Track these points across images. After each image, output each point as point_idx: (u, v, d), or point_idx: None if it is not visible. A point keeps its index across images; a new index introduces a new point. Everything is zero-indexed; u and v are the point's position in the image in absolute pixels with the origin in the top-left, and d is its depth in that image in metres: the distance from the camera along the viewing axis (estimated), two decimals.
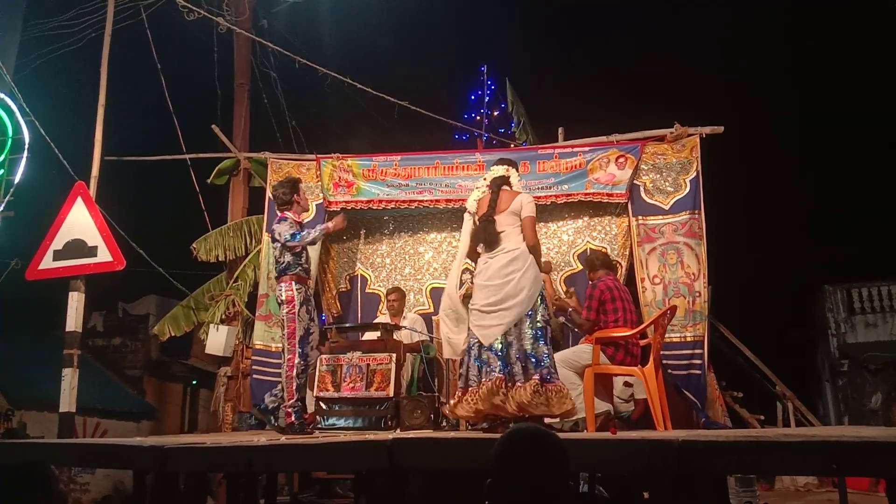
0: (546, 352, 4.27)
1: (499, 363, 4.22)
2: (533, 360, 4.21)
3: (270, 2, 9.29)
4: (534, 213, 4.49)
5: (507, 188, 4.55)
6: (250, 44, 8.79)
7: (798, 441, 2.69)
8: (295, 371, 4.91)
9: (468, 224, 4.73)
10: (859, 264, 16.50)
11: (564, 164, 6.43)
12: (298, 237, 4.96)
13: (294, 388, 4.90)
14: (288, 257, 5.02)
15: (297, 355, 4.92)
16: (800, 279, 17.75)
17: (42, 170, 7.40)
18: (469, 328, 4.47)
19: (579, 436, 4.04)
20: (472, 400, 4.27)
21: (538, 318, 4.31)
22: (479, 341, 4.34)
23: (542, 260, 4.90)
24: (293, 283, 4.98)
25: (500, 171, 4.63)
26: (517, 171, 4.74)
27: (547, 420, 4.77)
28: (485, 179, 4.70)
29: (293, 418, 4.88)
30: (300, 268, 5.05)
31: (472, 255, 4.69)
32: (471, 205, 4.68)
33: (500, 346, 4.28)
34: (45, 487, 2.33)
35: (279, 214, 5.17)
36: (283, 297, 4.99)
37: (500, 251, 4.37)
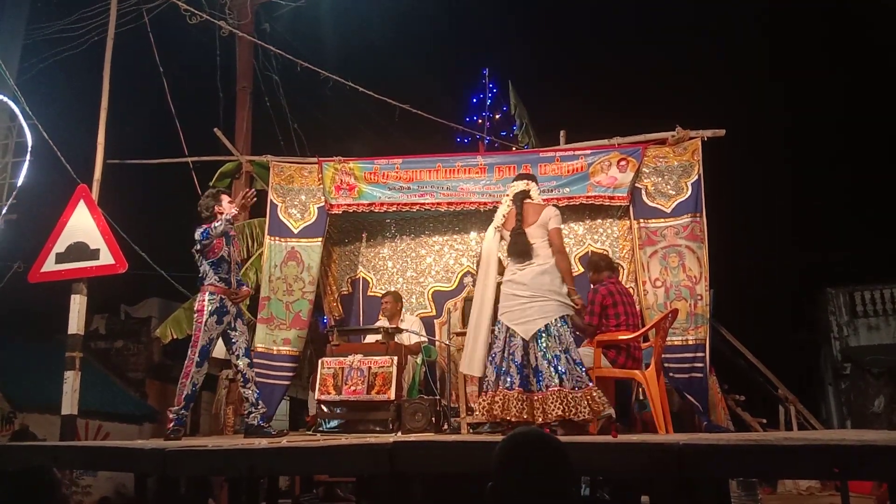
0: (578, 359, 4.38)
1: (518, 374, 4.32)
2: (564, 369, 4.29)
3: (272, 6, 9.31)
4: (560, 224, 4.69)
5: (530, 201, 4.73)
6: (252, 47, 8.82)
7: (799, 445, 2.68)
8: (189, 379, 5.00)
9: (494, 239, 4.86)
10: (862, 267, 16.48)
11: (566, 167, 6.43)
12: (207, 233, 5.00)
13: (183, 395, 5.00)
14: (205, 267, 5.10)
15: (194, 364, 5.00)
16: (802, 282, 17.73)
17: (45, 173, 7.42)
18: (497, 332, 4.55)
19: (580, 439, 4.03)
20: (488, 403, 4.36)
21: (568, 328, 4.43)
22: (509, 341, 4.42)
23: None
24: (206, 293, 5.06)
25: (520, 186, 4.82)
26: (536, 184, 4.92)
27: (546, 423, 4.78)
28: (507, 195, 4.86)
29: (172, 424, 4.95)
30: (216, 277, 5.09)
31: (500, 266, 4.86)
32: (498, 219, 4.83)
33: (521, 353, 4.36)
34: (48, 492, 2.33)
35: (205, 226, 5.13)
36: (196, 306, 5.12)
37: (531, 263, 4.53)
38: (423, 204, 6.68)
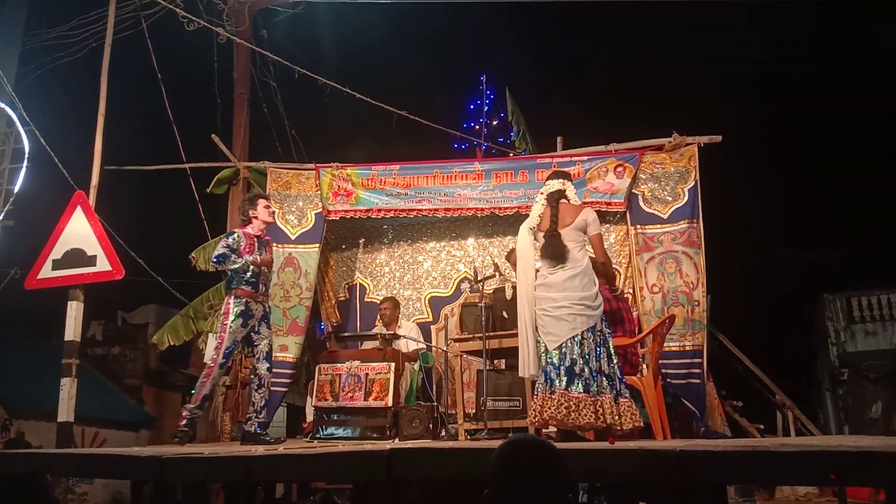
0: (617, 369, 4.34)
1: (559, 377, 4.26)
2: (606, 376, 4.27)
3: (270, 12, 9.32)
4: (600, 229, 4.58)
5: (566, 201, 4.59)
6: (250, 54, 8.82)
7: (796, 451, 2.68)
8: (210, 380, 5.06)
9: (528, 239, 4.72)
10: (859, 273, 16.51)
11: None
12: (215, 260, 5.16)
13: (201, 395, 5.05)
14: (230, 271, 5.16)
15: (217, 366, 5.07)
16: (799, 287, 17.76)
17: (42, 179, 7.40)
18: (539, 338, 4.50)
19: (577, 445, 4.03)
20: (539, 406, 4.33)
21: (606, 334, 4.39)
22: (545, 348, 4.40)
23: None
24: (232, 297, 5.12)
25: (556, 185, 4.65)
26: (572, 183, 4.76)
27: (544, 430, 4.78)
28: (542, 193, 4.71)
29: (183, 423, 5.03)
30: (243, 281, 5.13)
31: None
32: (533, 219, 4.69)
33: (557, 357, 4.32)
34: (40, 497, 2.32)
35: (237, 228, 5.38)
36: (222, 309, 5.19)
37: (566, 265, 4.42)
38: (421, 210, 6.68)
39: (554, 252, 4.43)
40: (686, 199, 6.17)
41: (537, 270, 4.61)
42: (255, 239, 5.28)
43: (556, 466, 1.87)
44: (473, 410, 5.54)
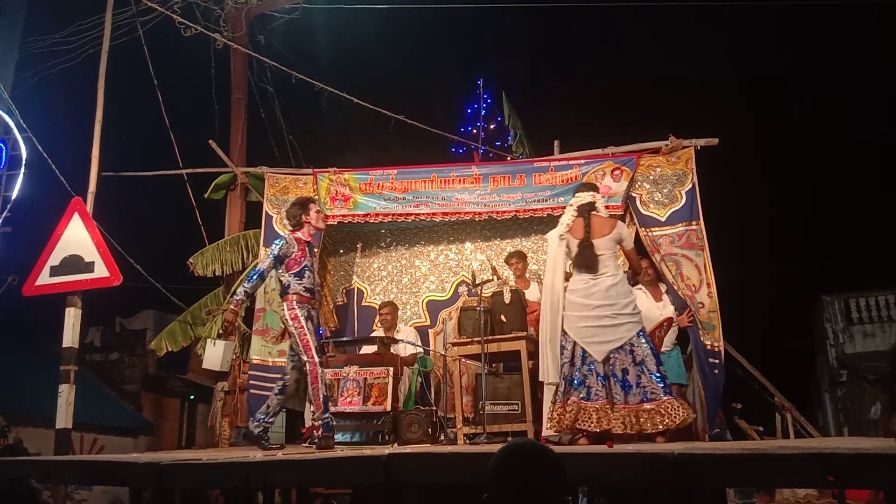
0: (655, 370, 4.47)
1: (601, 384, 4.40)
2: (657, 377, 4.41)
3: (267, 18, 9.33)
4: (632, 242, 4.89)
5: (597, 213, 4.79)
6: (247, 59, 8.83)
7: (794, 453, 2.69)
8: (321, 382, 4.84)
9: (560, 247, 4.84)
10: (857, 274, 16.54)
11: (560, 176, 6.45)
12: (250, 282, 5.00)
13: (321, 398, 4.83)
14: (286, 278, 5.01)
15: (317, 365, 4.85)
16: (797, 289, 17.78)
17: (39, 185, 7.41)
18: (564, 343, 4.59)
19: (576, 449, 4.03)
20: (559, 413, 4.44)
21: (643, 340, 4.52)
22: (581, 355, 4.50)
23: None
24: (294, 302, 4.95)
25: (587, 197, 4.84)
26: (600, 195, 5.00)
27: (543, 433, 4.78)
28: (571, 206, 4.88)
29: (321, 431, 4.79)
30: (301, 287, 4.99)
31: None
32: (562, 228, 4.84)
33: (602, 366, 4.45)
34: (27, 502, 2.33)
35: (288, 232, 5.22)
36: (288, 316, 4.95)
37: (603, 274, 4.59)
38: (419, 214, 6.68)
39: (586, 261, 4.60)
40: (684, 201, 6.16)
41: (568, 278, 4.73)
42: (307, 245, 5.10)
43: (554, 470, 1.87)
44: (472, 414, 5.53)
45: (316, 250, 5.34)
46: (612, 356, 4.46)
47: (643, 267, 5.63)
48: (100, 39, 7.25)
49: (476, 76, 13.87)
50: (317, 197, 6.69)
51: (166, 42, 8.60)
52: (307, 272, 5.02)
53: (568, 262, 4.83)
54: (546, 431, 4.69)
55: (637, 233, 6.14)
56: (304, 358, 4.87)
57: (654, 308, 5.70)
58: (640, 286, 5.76)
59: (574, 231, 4.74)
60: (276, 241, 5.11)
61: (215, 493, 6.97)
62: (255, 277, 5.00)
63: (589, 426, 4.36)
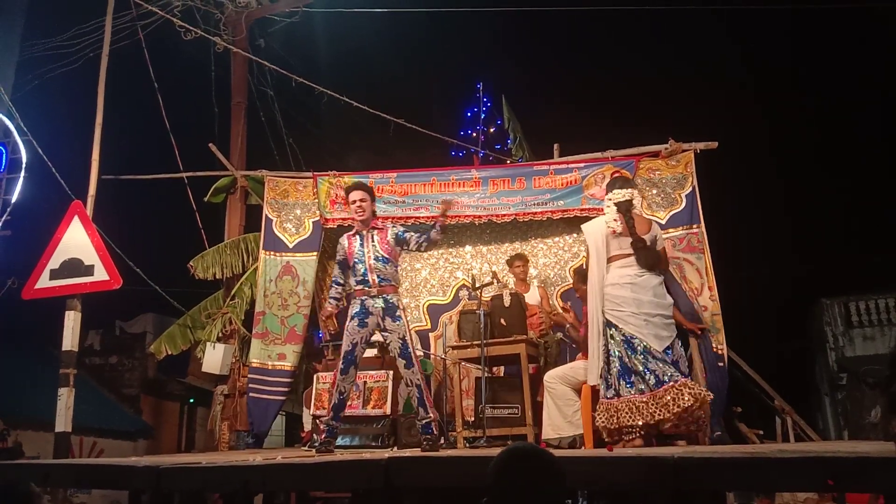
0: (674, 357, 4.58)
1: (671, 369, 4.41)
2: (679, 368, 4.51)
3: (267, 21, 9.35)
4: (664, 244, 4.90)
5: (637, 211, 4.77)
6: (247, 63, 8.84)
7: (794, 457, 2.68)
8: (336, 388, 4.69)
9: (602, 244, 4.76)
10: (857, 277, 16.53)
11: (560, 179, 6.46)
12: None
13: (331, 405, 4.71)
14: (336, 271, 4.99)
15: (339, 372, 4.71)
16: (797, 292, 17.78)
17: (39, 189, 7.41)
18: (615, 338, 4.55)
19: (575, 453, 4.03)
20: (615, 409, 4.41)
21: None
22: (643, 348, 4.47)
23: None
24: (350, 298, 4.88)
25: (625, 194, 4.75)
26: (636, 191, 4.92)
27: (543, 437, 4.77)
28: (610, 199, 4.79)
29: (323, 435, 4.69)
30: (353, 280, 4.87)
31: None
32: (607, 227, 4.74)
33: (660, 353, 4.47)
34: None
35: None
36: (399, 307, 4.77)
37: (651, 275, 4.62)
38: (418, 217, 6.69)
39: (650, 262, 4.60)
40: (684, 204, 6.17)
41: (615, 270, 4.67)
42: (358, 236, 4.90)
43: (554, 474, 1.88)
44: (472, 418, 5.53)
45: (387, 228, 5.02)
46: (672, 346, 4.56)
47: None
48: (100, 43, 7.26)
49: (476, 79, 13.86)
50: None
51: (166, 46, 8.62)
52: (359, 265, 4.84)
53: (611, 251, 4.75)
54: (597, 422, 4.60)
55: None
56: (414, 359, 4.73)
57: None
58: None
59: (618, 226, 4.66)
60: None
61: (214, 497, 6.97)
62: (335, 286, 5.01)
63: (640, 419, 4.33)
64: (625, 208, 4.67)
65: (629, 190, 4.77)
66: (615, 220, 4.68)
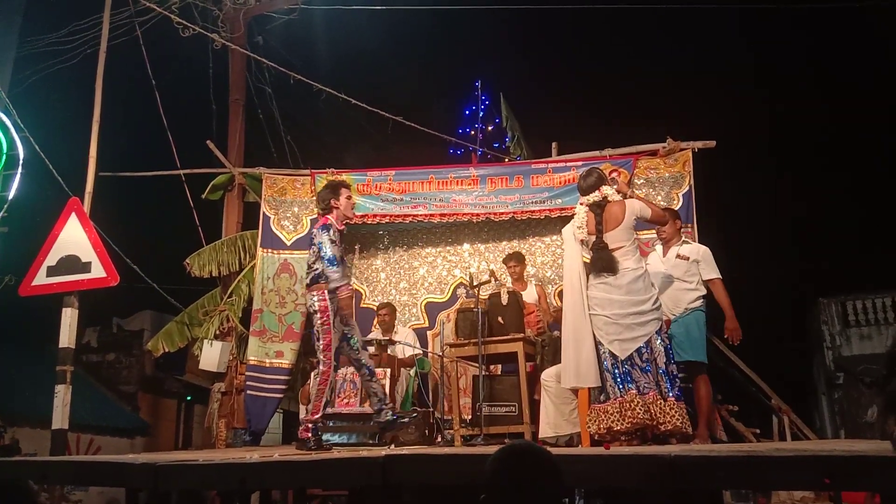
0: (675, 371, 4.42)
1: (644, 376, 4.31)
2: (667, 378, 4.34)
3: (265, 18, 9.33)
4: (649, 210, 4.60)
5: (610, 203, 4.56)
6: (245, 60, 8.83)
7: (790, 456, 2.69)
8: (329, 385, 4.67)
9: (574, 245, 4.71)
10: (853, 276, 16.56)
11: (558, 178, 6.47)
12: (331, 266, 4.67)
13: (322, 403, 4.68)
14: (320, 265, 4.73)
15: (331, 368, 4.66)
16: (794, 292, 17.81)
17: (36, 186, 7.40)
18: (599, 343, 4.49)
19: (572, 451, 4.04)
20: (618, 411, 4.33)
21: (665, 336, 4.46)
22: (611, 353, 4.41)
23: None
24: (325, 292, 4.68)
25: (594, 197, 4.60)
26: (607, 184, 4.68)
27: (541, 435, 4.78)
28: (581, 205, 4.68)
29: (311, 435, 4.66)
30: (336, 276, 4.72)
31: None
32: (577, 231, 4.66)
33: (639, 360, 4.37)
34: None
35: (321, 220, 4.89)
36: (316, 307, 4.69)
37: (625, 269, 4.43)
38: (417, 216, 6.69)
39: (604, 265, 4.44)
40: (681, 204, 6.19)
41: (591, 277, 4.58)
42: (339, 232, 4.84)
43: (551, 472, 1.88)
44: (469, 416, 5.53)
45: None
46: (641, 351, 4.39)
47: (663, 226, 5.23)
48: (98, 39, 7.24)
49: (474, 77, 13.86)
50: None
51: (164, 42, 8.60)
52: (343, 261, 4.81)
53: (586, 260, 4.70)
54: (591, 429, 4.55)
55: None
56: (321, 356, 4.69)
57: (659, 263, 5.41)
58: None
59: (588, 228, 4.59)
60: (324, 230, 4.77)
61: (212, 495, 6.97)
62: (336, 265, 4.72)
63: (639, 421, 4.28)
64: (597, 206, 4.58)
65: (596, 191, 4.61)
66: (579, 227, 4.63)
